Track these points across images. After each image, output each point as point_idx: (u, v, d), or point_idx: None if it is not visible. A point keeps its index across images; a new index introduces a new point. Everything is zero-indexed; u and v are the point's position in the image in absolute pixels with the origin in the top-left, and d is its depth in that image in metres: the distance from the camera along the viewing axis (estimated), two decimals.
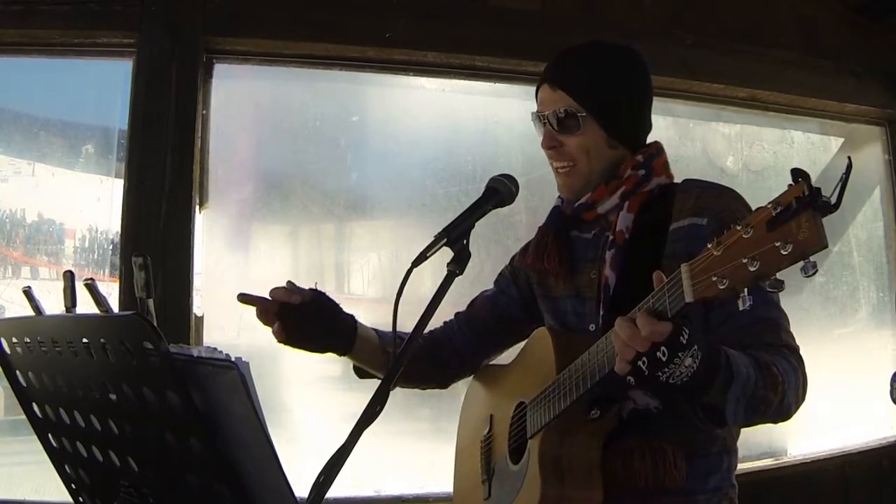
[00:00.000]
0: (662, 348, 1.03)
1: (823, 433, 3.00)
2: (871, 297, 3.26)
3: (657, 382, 1.06)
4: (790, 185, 0.88)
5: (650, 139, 1.52)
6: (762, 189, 3.06)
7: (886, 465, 3.04)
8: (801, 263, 0.88)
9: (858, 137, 3.32)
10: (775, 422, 1.27)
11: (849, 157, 0.90)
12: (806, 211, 0.86)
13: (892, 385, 2.25)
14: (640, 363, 1.05)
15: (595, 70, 1.43)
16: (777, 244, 0.88)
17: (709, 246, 0.96)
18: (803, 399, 1.26)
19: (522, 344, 1.58)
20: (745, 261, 0.91)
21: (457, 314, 1.72)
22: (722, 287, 0.94)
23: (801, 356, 1.28)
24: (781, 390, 1.18)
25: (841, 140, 3.30)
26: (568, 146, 1.42)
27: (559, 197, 1.55)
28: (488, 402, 1.61)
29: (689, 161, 2.94)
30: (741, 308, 0.94)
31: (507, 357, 1.69)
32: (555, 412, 1.28)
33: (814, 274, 0.88)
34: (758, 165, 3.07)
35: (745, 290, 0.93)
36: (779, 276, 0.92)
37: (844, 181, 0.87)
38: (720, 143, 3.05)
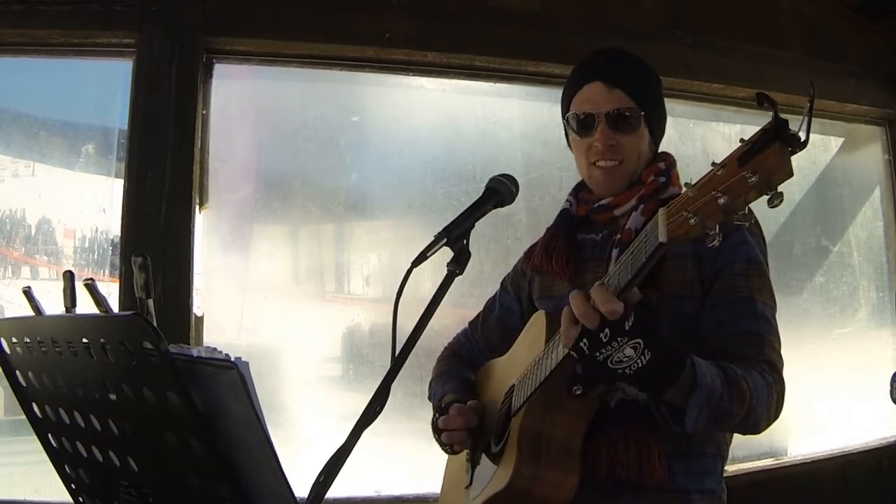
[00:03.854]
0: (606, 329, 1.07)
1: (823, 433, 3.00)
2: (871, 297, 3.26)
3: (596, 364, 1.10)
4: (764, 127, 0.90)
5: None
6: None
7: (886, 465, 3.04)
8: (767, 195, 0.89)
9: (858, 137, 3.32)
10: (743, 433, 1.30)
11: (811, 82, 0.91)
12: (773, 142, 0.87)
13: (892, 385, 2.25)
14: (582, 344, 1.09)
15: (645, 74, 1.48)
16: (745, 174, 0.89)
17: (684, 187, 0.98)
18: (776, 416, 1.28)
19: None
20: (714, 193, 0.92)
21: (474, 334, 1.74)
22: (693, 223, 0.95)
23: (780, 374, 1.29)
24: (748, 405, 1.21)
25: (841, 140, 3.30)
26: (622, 144, 1.42)
27: (568, 200, 1.56)
28: (484, 394, 1.62)
29: (689, 161, 2.93)
30: (708, 245, 0.96)
31: None
32: (539, 381, 1.28)
33: (779, 203, 0.89)
34: None
35: (716, 226, 0.94)
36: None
37: (810, 113, 0.88)
38: (720, 143, 3.05)
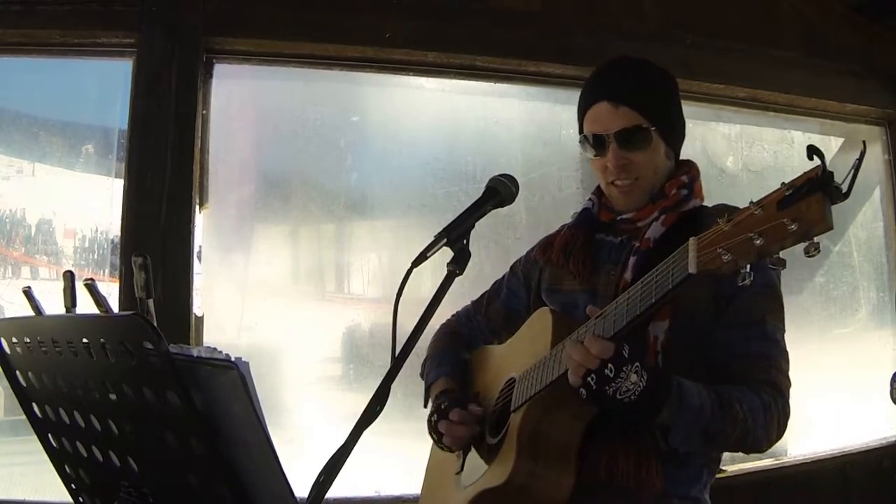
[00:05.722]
0: (609, 365, 1.13)
1: (823, 433, 3.00)
2: (871, 297, 3.26)
3: (605, 397, 1.15)
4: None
5: None
6: (762, 189, 3.04)
7: (886, 465, 3.04)
8: (804, 244, 0.90)
9: (858, 137, 3.32)
10: (746, 453, 1.35)
11: (864, 142, 0.91)
12: (817, 192, 0.88)
13: (892, 385, 2.25)
14: (589, 379, 1.14)
15: (651, 83, 1.44)
16: (785, 221, 0.90)
17: (719, 221, 0.98)
18: (779, 435, 1.32)
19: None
20: (751, 235, 0.93)
21: (476, 314, 1.74)
22: (725, 259, 0.96)
23: (784, 394, 1.32)
24: (742, 426, 1.25)
25: (841, 140, 3.30)
26: (635, 162, 1.41)
27: (590, 199, 1.56)
28: (477, 381, 1.62)
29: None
30: (739, 283, 0.97)
31: None
32: (543, 384, 1.29)
33: (815, 254, 0.90)
34: (758, 165, 3.07)
35: (748, 266, 0.95)
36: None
37: (857, 168, 0.89)
38: (720, 143, 3.05)
